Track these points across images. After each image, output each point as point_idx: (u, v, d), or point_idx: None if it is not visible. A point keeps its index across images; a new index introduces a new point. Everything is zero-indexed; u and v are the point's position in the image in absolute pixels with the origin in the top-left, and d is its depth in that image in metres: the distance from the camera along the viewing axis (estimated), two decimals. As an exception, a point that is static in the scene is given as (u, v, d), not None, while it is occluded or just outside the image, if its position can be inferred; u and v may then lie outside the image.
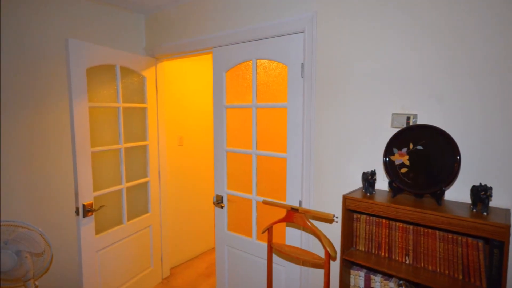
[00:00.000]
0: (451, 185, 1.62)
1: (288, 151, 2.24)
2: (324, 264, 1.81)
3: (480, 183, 1.45)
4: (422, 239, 1.55)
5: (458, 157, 1.46)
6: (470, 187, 1.56)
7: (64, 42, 2.55)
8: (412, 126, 1.60)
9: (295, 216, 1.91)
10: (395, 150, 1.64)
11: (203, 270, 3.75)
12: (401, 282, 1.67)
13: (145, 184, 3.18)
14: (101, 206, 2.60)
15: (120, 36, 3.04)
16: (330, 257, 1.82)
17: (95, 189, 2.63)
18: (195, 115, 4.01)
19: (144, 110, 3.12)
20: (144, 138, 3.13)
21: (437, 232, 1.51)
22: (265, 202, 2.08)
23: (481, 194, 1.40)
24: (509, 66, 1.45)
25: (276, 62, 2.27)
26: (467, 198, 1.58)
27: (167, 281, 3.46)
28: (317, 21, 2.02)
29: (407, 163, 1.60)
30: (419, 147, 1.57)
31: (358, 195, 1.69)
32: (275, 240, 2.42)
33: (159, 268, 3.38)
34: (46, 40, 2.53)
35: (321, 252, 2.15)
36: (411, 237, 1.59)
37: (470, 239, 1.43)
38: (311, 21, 2.03)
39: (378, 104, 1.82)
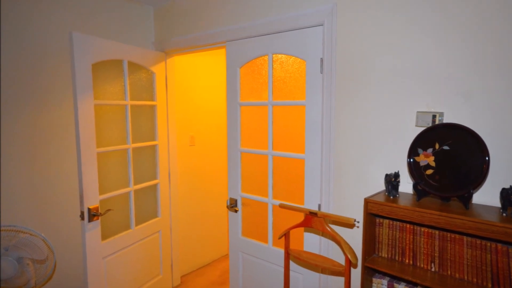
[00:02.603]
0: (480, 187, 1.68)
1: (306, 152, 2.33)
2: (344, 272, 1.88)
3: (510, 186, 1.51)
4: (449, 245, 1.62)
5: (487, 158, 1.52)
6: (500, 190, 1.62)
7: (68, 36, 2.64)
8: (438, 125, 1.67)
9: (313, 220, 2.00)
10: (420, 150, 1.72)
11: (216, 278, 3.87)
12: (426, 290, 1.74)
13: (154, 187, 3.30)
14: (108, 210, 2.65)
15: (127, 29, 3.17)
16: (351, 264, 1.89)
17: (101, 192, 2.71)
18: (208, 113, 4.12)
19: (153, 108, 3.23)
20: (153, 137, 3.25)
21: (465, 237, 1.58)
22: (281, 206, 2.16)
23: (511, 197, 1.46)
24: (543, 61, 1.50)
25: (293, 57, 2.36)
26: (496, 202, 1.65)
27: (177, 290, 3.59)
28: (337, 14, 2.10)
29: (433, 164, 1.67)
30: (446, 147, 1.63)
31: (381, 198, 1.77)
32: (292, 246, 2.51)
33: (169, 276, 3.50)
34: (49, 34, 2.64)
35: (341, 259, 2.23)
36: (437, 243, 1.66)
37: (500, 245, 1.49)
38: (330, 14, 2.11)
39: (402, 101, 1.90)
